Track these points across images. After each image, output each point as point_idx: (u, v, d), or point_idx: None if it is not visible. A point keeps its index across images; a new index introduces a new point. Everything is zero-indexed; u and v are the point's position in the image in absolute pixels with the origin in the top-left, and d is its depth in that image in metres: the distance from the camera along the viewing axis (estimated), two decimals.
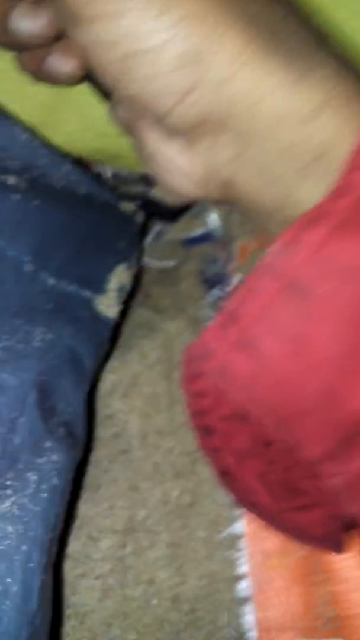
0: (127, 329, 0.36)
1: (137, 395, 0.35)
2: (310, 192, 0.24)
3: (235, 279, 0.37)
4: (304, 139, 0.23)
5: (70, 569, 0.32)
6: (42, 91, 0.32)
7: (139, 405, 0.35)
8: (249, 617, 0.32)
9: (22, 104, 0.34)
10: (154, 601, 0.32)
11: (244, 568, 0.32)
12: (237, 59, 0.23)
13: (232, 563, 0.33)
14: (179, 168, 0.26)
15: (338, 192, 0.22)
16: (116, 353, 0.35)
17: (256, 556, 0.32)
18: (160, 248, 0.39)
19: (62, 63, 0.28)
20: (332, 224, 0.21)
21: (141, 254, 0.37)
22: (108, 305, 0.32)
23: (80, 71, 0.28)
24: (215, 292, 0.37)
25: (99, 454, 0.34)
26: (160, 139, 0.26)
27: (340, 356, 0.22)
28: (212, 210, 0.38)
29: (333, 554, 0.30)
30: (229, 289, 0.37)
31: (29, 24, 0.27)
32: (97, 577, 0.32)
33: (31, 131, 0.33)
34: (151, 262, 0.39)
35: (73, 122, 0.36)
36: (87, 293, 0.31)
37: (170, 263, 0.38)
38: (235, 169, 0.25)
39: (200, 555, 0.33)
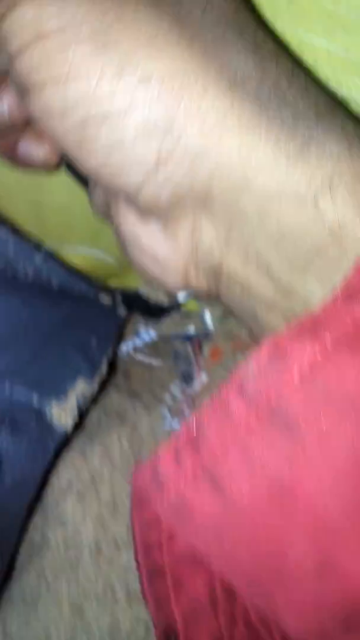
0: (94, 414, 0.32)
1: (94, 498, 0.31)
2: (312, 289, 0.20)
3: (198, 380, 0.33)
4: (304, 224, 0.19)
5: None
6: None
7: (94, 510, 0.30)
8: None
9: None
10: None
11: None
12: (217, 126, 0.19)
13: None
14: (156, 255, 0.22)
15: (344, 299, 0.18)
16: (76, 442, 0.31)
17: None
18: (148, 345, 0.36)
19: (33, 148, 0.25)
20: (332, 338, 0.17)
21: (118, 345, 0.35)
22: (63, 414, 0.29)
23: (54, 156, 0.25)
24: (175, 388, 0.32)
25: (44, 561, 0.30)
26: (135, 222, 0.22)
27: (336, 512, 0.17)
28: (206, 309, 0.35)
29: None
30: (189, 388, 0.33)
31: None
32: None
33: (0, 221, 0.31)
34: (137, 356, 0.35)
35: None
36: (36, 398, 0.29)
37: (156, 362, 0.35)
38: (221, 256, 0.21)
39: None
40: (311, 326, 0.17)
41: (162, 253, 0.22)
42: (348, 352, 0.17)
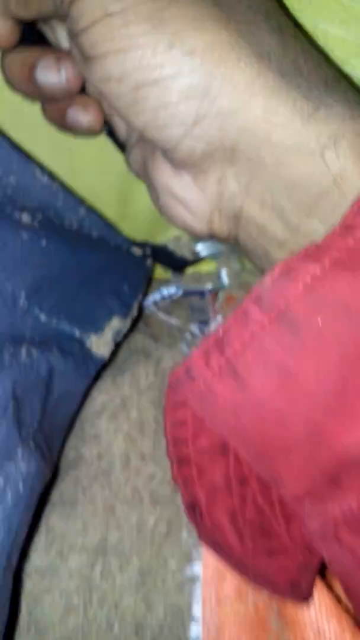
0: (122, 353, 0.37)
1: (125, 418, 0.36)
2: (316, 229, 0.24)
3: (214, 321, 0.38)
4: (312, 172, 0.24)
5: (36, 582, 0.32)
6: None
7: (125, 428, 0.35)
8: None
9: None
10: (116, 625, 0.32)
11: (197, 612, 0.31)
12: (246, 90, 0.24)
13: (196, 580, 0.33)
14: (187, 203, 0.27)
15: (341, 231, 0.22)
16: (108, 374, 0.36)
17: (209, 601, 0.31)
18: (167, 304, 0.41)
19: (81, 115, 0.30)
20: (330, 260, 0.21)
21: (144, 296, 0.39)
22: (101, 345, 0.33)
23: (98, 123, 0.30)
24: (194, 327, 0.37)
25: (79, 472, 0.35)
26: (168, 174, 0.27)
27: (327, 393, 0.22)
28: (223, 267, 0.39)
29: (299, 604, 0.29)
30: (206, 328, 0.37)
31: (52, 77, 0.28)
32: (61, 594, 0.32)
33: (51, 173, 0.35)
34: (157, 313, 0.40)
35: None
36: (78, 332, 0.32)
37: (175, 321, 0.40)
38: (242, 202, 0.26)
39: (169, 586, 0.33)
40: (314, 252, 0.22)
41: (193, 200, 0.27)
42: (342, 270, 0.21)
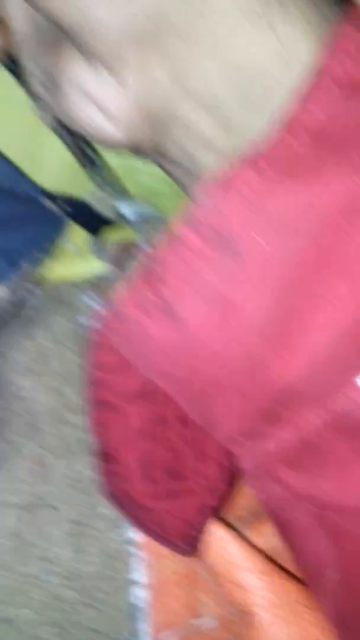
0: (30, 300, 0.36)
1: (46, 372, 0.35)
2: (252, 122, 0.21)
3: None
4: (252, 46, 0.20)
5: None
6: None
7: (47, 381, 0.34)
8: (141, 623, 0.30)
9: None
10: (51, 578, 0.31)
11: (137, 574, 0.30)
12: None
13: (130, 542, 0.31)
14: (102, 102, 0.22)
15: (280, 130, 0.19)
16: (20, 328, 0.35)
17: (148, 562, 0.30)
18: None
19: None
20: (271, 165, 0.19)
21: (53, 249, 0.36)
22: None
23: (5, 44, 0.25)
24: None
25: (7, 429, 0.34)
26: (80, 68, 0.22)
27: (267, 322, 0.20)
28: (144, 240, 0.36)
29: (184, 555, 0.28)
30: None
31: None
32: None
33: None
34: None
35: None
36: None
37: None
38: (168, 98, 0.21)
39: (101, 532, 0.32)
40: (253, 158, 0.19)
41: (109, 98, 0.22)
42: (286, 178, 0.18)
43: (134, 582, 0.31)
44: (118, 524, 0.32)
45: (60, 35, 0.22)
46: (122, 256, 0.36)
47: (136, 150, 0.24)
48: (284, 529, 0.24)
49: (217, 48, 0.20)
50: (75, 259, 0.37)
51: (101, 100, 0.22)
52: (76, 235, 0.36)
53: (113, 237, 0.36)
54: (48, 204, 0.34)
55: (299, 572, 0.26)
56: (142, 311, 0.21)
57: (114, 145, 0.24)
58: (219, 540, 0.28)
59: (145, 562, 0.30)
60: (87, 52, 0.22)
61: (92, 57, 0.22)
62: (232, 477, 0.28)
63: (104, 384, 0.27)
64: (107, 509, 0.32)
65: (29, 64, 0.26)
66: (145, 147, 0.23)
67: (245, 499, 0.31)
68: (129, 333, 0.22)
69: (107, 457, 0.27)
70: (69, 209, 0.34)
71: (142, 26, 0.20)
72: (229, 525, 0.29)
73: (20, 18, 0.25)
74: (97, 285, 0.37)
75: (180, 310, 0.20)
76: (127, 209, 0.34)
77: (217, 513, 0.29)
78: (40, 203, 0.34)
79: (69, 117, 0.24)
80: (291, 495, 0.22)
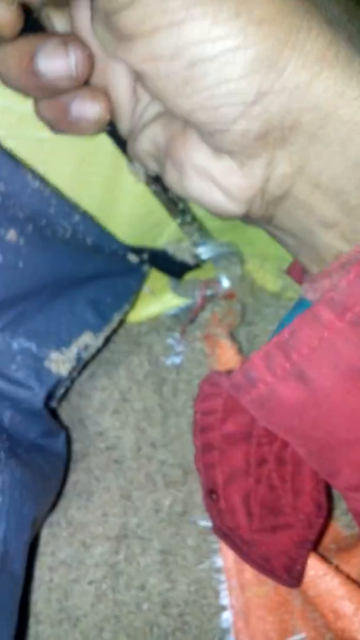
0: (110, 343, 0.38)
1: (130, 410, 0.36)
2: None
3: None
4: None
5: (63, 574, 0.34)
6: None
7: (131, 420, 0.36)
8: None
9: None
10: (145, 606, 0.34)
11: (225, 600, 0.33)
12: (316, 63, 0.21)
13: (218, 570, 0.33)
14: (226, 189, 0.24)
15: None
16: (102, 369, 0.37)
17: (235, 588, 0.32)
18: None
19: (89, 106, 0.26)
20: None
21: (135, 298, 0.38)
22: (61, 363, 0.32)
23: (108, 114, 0.27)
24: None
25: (91, 463, 0.36)
26: (205, 157, 0.24)
27: None
28: (223, 273, 0.38)
29: (290, 587, 0.30)
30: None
31: (57, 64, 0.25)
32: (90, 583, 0.34)
33: (42, 179, 0.33)
34: None
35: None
36: (35, 347, 0.32)
37: None
38: (291, 184, 0.23)
39: (190, 562, 0.34)
40: None
41: (234, 185, 0.23)
42: None
43: (223, 608, 0.33)
44: (205, 554, 0.34)
45: (187, 124, 0.24)
46: (201, 291, 0.38)
47: (247, 219, 0.25)
48: None
49: (344, 149, 0.21)
50: (149, 301, 0.39)
51: (225, 186, 0.24)
52: (150, 278, 0.38)
53: (193, 275, 0.38)
54: (132, 257, 0.36)
55: None
56: (273, 373, 0.23)
57: (228, 217, 0.25)
58: (314, 569, 0.30)
59: (232, 588, 0.32)
60: (216, 146, 0.23)
61: (221, 151, 0.23)
62: (327, 512, 0.30)
63: (211, 428, 0.30)
64: (194, 540, 0.35)
65: (137, 134, 0.27)
66: (257, 217, 0.25)
67: (328, 532, 0.33)
68: (258, 392, 0.24)
69: (213, 495, 0.30)
70: (152, 260, 0.36)
71: (275, 132, 0.22)
72: (320, 556, 0.31)
73: (123, 90, 0.27)
74: (171, 326, 0.38)
75: (311, 375, 0.22)
76: (206, 253, 0.36)
77: (314, 547, 0.31)
78: (123, 256, 0.35)
79: (185, 190, 0.25)
80: None
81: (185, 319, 0.37)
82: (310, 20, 0.21)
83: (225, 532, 0.30)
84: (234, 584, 0.33)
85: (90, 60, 0.25)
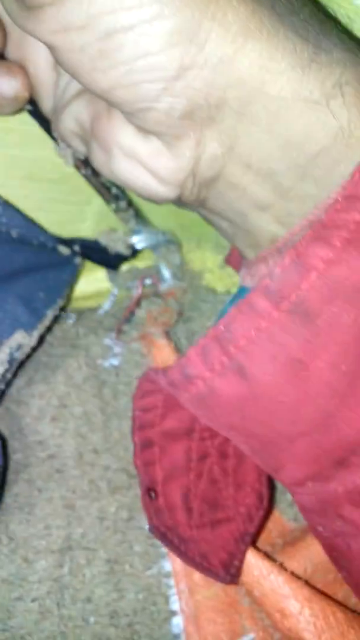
0: (45, 345, 0.36)
1: (69, 416, 0.35)
2: (309, 191, 0.22)
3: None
4: (310, 128, 0.21)
5: (5, 593, 0.32)
6: None
7: (71, 426, 0.35)
8: None
9: None
10: (92, 619, 0.32)
11: (175, 605, 0.32)
12: (240, 32, 0.19)
13: (167, 575, 0.33)
14: (155, 170, 0.23)
15: (345, 204, 0.20)
16: (39, 374, 0.35)
17: (184, 592, 0.32)
18: None
19: (6, 82, 0.25)
20: (341, 240, 0.20)
21: (70, 294, 0.37)
22: None
23: (27, 90, 0.25)
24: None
25: (32, 473, 0.34)
26: (131, 138, 0.23)
27: (341, 381, 0.21)
28: (163, 263, 0.37)
29: (227, 584, 0.30)
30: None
31: None
32: (34, 600, 0.32)
33: None
34: None
35: None
36: None
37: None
38: (222, 165, 0.22)
39: (138, 569, 0.33)
40: (321, 231, 0.20)
41: (164, 167, 0.22)
42: (354, 251, 0.20)
43: (173, 613, 0.32)
44: (153, 559, 0.33)
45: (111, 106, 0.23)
46: (137, 281, 0.37)
47: (180, 202, 0.25)
48: (340, 554, 0.26)
49: (273, 127, 0.21)
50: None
51: (154, 168, 0.23)
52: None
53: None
54: (63, 249, 0.34)
55: (356, 592, 0.28)
56: (210, 369, 0.22)
57: (159, 201, 0.24)
58: (258, 568, 0.30)
59: (182, 592, 0.32)
60: (141, 126, 0.22)
61: (147, 132, 0.22)
62: (268, 503, 0.30)
63: (150, 425, 0.29)
64: (141, 546, 0.34)
65: (60, 113, 0.26)
66: (190, 201, 0.24)
67: (275, 526, 0.33)
68: (196, 389, 0.23)
69: (152, 493, 0.29)
70: (85, 252, 0.35)
71: (201, 109, 0.21)
72: (263, 553, 0.31)
73: (42, 64, 0.26)
74: (109, 325, 0.37)
75: (250, 368, 0.22)
76: (142, 242, 0.35)
77: (254, 540, 0.30)
78: (53, 248, 0.34)
79: (112, 173, 0.24)
80: (353, 528, 0.24)
81: (121, 317, 0.36)
82: None
83: (163, 532, 0.29)
84: (182, 587, 0.32)
85: (2, 33, 0.24)
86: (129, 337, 0.35)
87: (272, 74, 0.20)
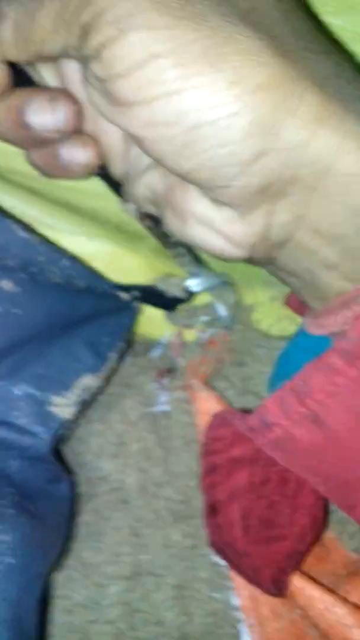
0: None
1: (128, 453, 0.36)
2: None
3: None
4: None
5: (81, 616, 0.35)
6: None
7: (131, 462, 0.36)
8: None
9: None
10: None
11: (246, 638, 0.33)
12: (312, 123, 0.22)
13: (236, 609, 0.34)
14: (228, 236, 0.24)
15: None
16: (96, 413, 0.37)
17: (254, 624, 0.33)
18: None
19: (79, 152, 0.27)
20: None
21: (131, 337, 0.38)
22: (64, 406, 0.32)
23: (97, 159, 0.27)
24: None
25: (98, 503, 0.36)
26: (206, 208, 0.25)
27: None
28: (219, 302, 0.38)
29: (274, 597, 0.31)
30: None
31: (46, 119, 0.26)
32: (107, 622, 0.35)
33: (30, 229, 0.34)
34: None
35: None
36: (38, 393, 0.32)
37: None
38: (292, 231, 0.24)
39: (204, 594, 0.34)
40: None
41: (238, 234, 0.24)
42: None
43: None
44: (219, 585, 0.34)
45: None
46: (193, 316, 0.38)
47: (250, 261, 0.26)
48: None
49: (342, 199, 0.22)
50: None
51: (227, 234, 0.24)
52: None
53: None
54: (123, 295, 0.36)
55: None
56: (288, 417, 0.24)
57: (231, 260, 0.26)
58: (322, 602, 0.30)
59: (252, 626, 0.33)
60: (216, 199, 0.24)
61: (222, 203, 0.24)
62: (322, 526, 0.32)
63: (216, 451, 0.31)
64: (206, 572, 0.35)
65: (133, 181, 0.27)
66: (261, 261, 0.26)
67: (338, 558, 0.33)
68: (275, 435, 0.25)
69: (213, 511, 0.31)
70: (143, 297, 0.36)
71: (275, 186, 0.22)
72: (327, 587, 0.31)
73: (114, 137, 0.28)
74: (163, 371, 0.38)
75: (326, 418, 0.24)
76: (197, 286, 0.36)
77: (304, 559, 0.32)
78: (114, 295, 0.36)
79: (186, 237, 0.26)
80: None
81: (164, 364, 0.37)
82: (303, 83, 0.21)
83: (221, 547, 0.31)
84: (252, 621, 0.33)
85: (79, 114, 0.26)
86: (174, 386, 0.36)
87: (342, 153, 0.22)
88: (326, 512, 0.33)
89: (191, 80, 0.21)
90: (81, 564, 0.35)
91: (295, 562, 0.31)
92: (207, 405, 0.34)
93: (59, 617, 0.35)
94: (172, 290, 0.36)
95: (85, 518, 0.36)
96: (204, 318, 0.37)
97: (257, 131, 0.21)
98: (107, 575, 0.35)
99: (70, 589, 0.35)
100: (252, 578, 0.31)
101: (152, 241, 0.33)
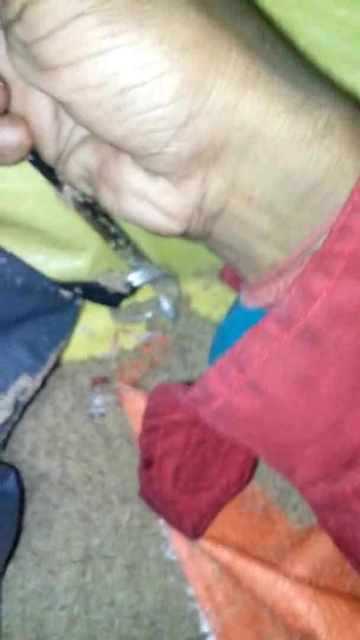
0: None
1: (64, 446, 0.37)
2: (305, 220, 0.24)
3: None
4: (305, 164, 0.23)
5: (36, 604, 0.35)
6: None
7: (70, 455, 0.37)
8: None
9: None
10: (117, 621, 0.35)
11: (205, 627, 0.34)
12: (240, 84, 0.21)
13: (192, 600, 0.35)
14: (164, 208, 0.24)
15: (341, 235, 0.22)
16: (28, 412, 0.37)
17: (210, 613, 0.34)
18: None
19: (9, 133, 0.26)
20: (339, 270, 0.22)
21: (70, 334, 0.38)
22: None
23: (29, 139, 0.27)
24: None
25: (46, 492, 0.36)
26: (140, 180, 0.24)
27: (347, 393, 0.24)
28: (164, 298, 0.38)
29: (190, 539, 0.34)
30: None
31: None
32: (62, 608, 0.35)
33: None
34: None
35: None
36: None
37: None
38: (226, 200, 0.24)
39: (154, 573, 0.35)
40: (321, 261, 0.23)
41: (173, 205, 0.24)
42: (351, 277, 0.22)
43: (205, 635, 0.34)
44: (168, 562, 0.35)
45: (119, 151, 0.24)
46: (137, 314, 0.39)
47: (186, 235, 0.26)
48: (348, 544, 0.28)
49: (272, 164, 0.23)
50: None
51: (163, 206, 0.25)
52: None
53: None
54: (64, 293, 0.36)
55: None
56: (228, 386, 0.25)
57: (167, 236, 0.26)
58: (265, 578, 0.32)
59: (209, 614, 0.34)
60: (150, 169, 0.24)
61: (156, 173, 0.24)
62: (247, 481, 0.33)
63: (158, 415, 0.32)
64: (155, 551, 0.36)
65: (66, 159, 0.27)
66: (196, 234, 0.26)
67: (282, 528, 0.35)
68: (217, 404, 0.26)
69: (148, 465, 0.32)
70: (85, 294, 0.36)
71: (207, 151, 0.23)
72: (268, 562, 0.33)
73: (44, 115, 0.27)
74: (97, 379, 0.39)
75: (265, 385, 0.24)
76: (139, 279, 0.36)
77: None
78: (55, 293, 0.36)
79: (122, 212, 0.26)
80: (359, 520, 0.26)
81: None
82: (230, 42, 0.21)
83: (150, 496, 0.32)
84: (208, 609, 0.34)
85: (6, 91, 0.25)
86: (107, 389, 0.37)
87: (270, 117, 0.22)
88: (253, 467, 0.34)
89: (117, 39, 0.20)
90: (32, 552, 0.36)
91: (216, 510, 0.32)
92: (136, 405, 0.35)
93: (13, 607, 0.35)
94: (114, 285, 0.36)
95: (35, 507, 0.36)
96: (148, 314, 0.38)
97: (187, 92, 0.21)
98: (59, 561, 0.36)
99: (23, 578, 0.35)
100: (174, 523, 0.32)
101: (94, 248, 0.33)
